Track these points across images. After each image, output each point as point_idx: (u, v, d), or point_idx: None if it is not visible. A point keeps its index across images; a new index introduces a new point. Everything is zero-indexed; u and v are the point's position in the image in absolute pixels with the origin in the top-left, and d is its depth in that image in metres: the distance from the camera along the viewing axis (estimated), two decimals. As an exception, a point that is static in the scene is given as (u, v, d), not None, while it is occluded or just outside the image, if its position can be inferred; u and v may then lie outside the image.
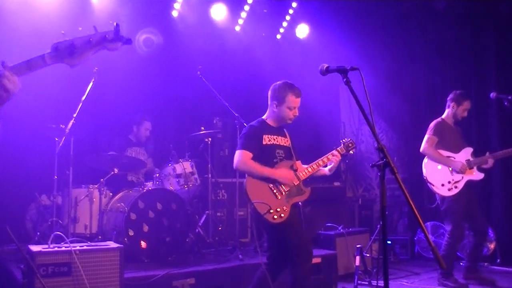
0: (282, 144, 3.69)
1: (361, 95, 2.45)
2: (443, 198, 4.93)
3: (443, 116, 5.17)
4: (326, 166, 3.73)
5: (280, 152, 3.65)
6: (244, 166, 3.49)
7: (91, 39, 1.85)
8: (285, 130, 3.84)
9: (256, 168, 3.46)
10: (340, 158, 3.74)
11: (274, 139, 3.65)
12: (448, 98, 5.18)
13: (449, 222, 4.91)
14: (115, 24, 1.89)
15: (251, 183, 3.46)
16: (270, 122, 3.71)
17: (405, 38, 7.40)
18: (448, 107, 5.16)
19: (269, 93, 3.68)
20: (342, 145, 3.83)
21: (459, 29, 6.81)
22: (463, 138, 5.18)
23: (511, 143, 5.22)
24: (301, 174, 3.63)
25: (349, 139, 3.89)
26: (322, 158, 3.72)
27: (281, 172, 3.49)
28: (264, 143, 3.58)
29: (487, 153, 4.96)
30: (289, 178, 3.51)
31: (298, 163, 3.80)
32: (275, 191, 3.46)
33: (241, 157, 3.51)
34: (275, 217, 3.37)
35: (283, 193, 3.48)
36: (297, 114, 3.65)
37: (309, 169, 3.67)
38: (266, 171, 3.46)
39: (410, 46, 7.35)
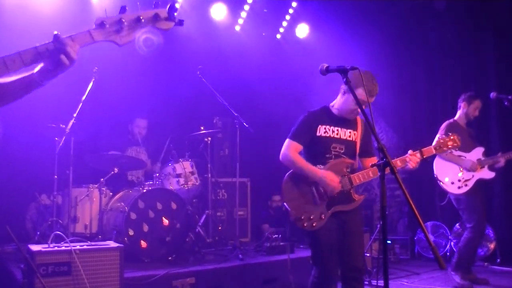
0: (343, 137, 3.10)
1: (361, 95, 2.46)
2: (459, 198, 4.93)
3: (455, 118, 5.20)
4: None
5: (338, 147, 3.07)
6: (288, 159, 3.03)
7: (141, 17, 1.80)
8: (359, 120, 3.19)
9: (300, 163, 3.00)
10: (419, 160, 3.02)
11: (333, 131, 3.08)
12: (459, 100, 5.23)
13: (471, 219, 4.87)
14: (169, 3, 1.83)
15: (290, 180, 3.05)
16: (335, 110, 3.14)
17: (405, 38, 7.40)
18: (460, 108, 5.20)
19: None
20: (434, 143, 3.17)
21: (459, 29, 6.81)
22: (476, 139, 5.18)
23: (511, 143, 5.23)
24: (355, 178, 3.01)
25: (451, 135, 3.19)
26: (397, 159, 3.03)
27: (327, 174, 2.93)
28: (318, 134, 3.06)
29: (500, 153, 4.99)
30: (333, 185, 2.92)
31: (371, 160, 3.17)
32: (315, 194, 2.98)
33: (286, 148, 3.07)
34: (305, 224, 2.95)
35: (325, 198, 2.99)
36: None
37: (370, 173, 3.01)
38: (309, 169, 2.97)
39: (410, 46, 7.35)
